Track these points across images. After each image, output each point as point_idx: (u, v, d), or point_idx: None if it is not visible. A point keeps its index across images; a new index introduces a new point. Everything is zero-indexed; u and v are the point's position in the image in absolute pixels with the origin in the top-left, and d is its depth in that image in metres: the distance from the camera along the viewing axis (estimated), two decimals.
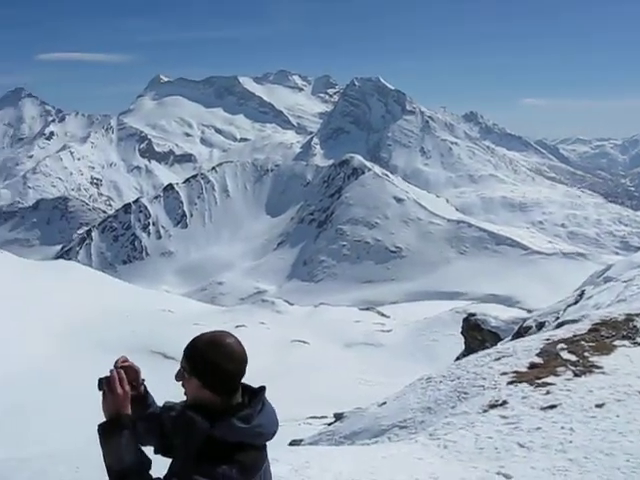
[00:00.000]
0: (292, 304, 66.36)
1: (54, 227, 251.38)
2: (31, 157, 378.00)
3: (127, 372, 3.08)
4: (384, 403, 12.63)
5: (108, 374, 3.05)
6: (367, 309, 66.38)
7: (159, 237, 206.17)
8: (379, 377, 42.08)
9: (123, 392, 3.00)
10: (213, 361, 2.87)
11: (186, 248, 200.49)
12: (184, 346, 2.95)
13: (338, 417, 14.91)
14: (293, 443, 14.15)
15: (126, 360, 3.18)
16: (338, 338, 52.48)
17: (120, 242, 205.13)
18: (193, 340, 2.96)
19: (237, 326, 51.86)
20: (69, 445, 23.10)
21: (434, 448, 8.02)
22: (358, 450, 8.81)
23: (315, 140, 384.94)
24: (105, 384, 3.02)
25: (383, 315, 61.69)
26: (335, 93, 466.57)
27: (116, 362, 3.15)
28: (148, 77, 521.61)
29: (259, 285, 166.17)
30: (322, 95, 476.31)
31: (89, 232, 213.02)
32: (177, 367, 3.09)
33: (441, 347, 47.62)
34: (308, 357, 47.36)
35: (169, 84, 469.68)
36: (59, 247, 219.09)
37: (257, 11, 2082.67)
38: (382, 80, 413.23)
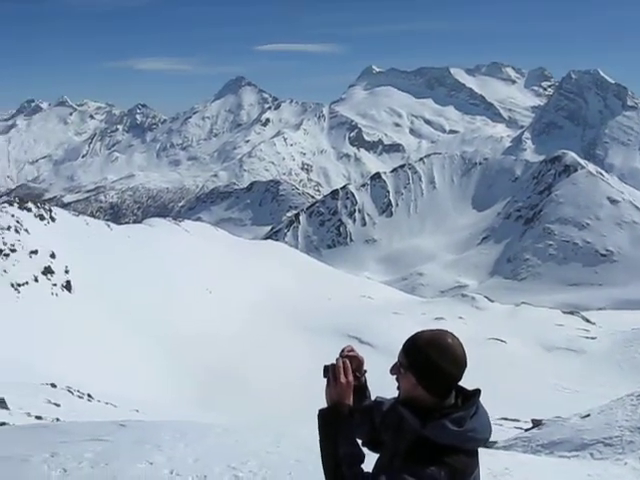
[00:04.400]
0: (492, 301, 64.95)
1: (265, 209, 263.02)
2: (247, 142, 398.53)
3: (351, 361, 3.14)
4: (587, 415, 12.19)
5: (334, 362, 3.12)
6: (571, 313, 63.59)
7: (364, 224, 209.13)
8: (577, 385, 40.44)
9: (347, 381, 3.04)
10: (434, 361, 2.82)
11: (389, 237, 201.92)
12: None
13: (536, 424, 14.53)
14: (487, 445, 13.98)
15: (352, 349, 3.27)
16: (537, 340, 50.76)
17: (326, 227, 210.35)
18: (414, 336, 2.93)
19: (436, 318, 51.78)
20: (270, 418, 24.30)
21: None
22: (560, 463, 8.44)
23: (526, 134, 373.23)
24: (330, 372, 3.06)
25: (588, 321, 58.80)
26: (550, 86, 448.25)
27: (342, 350, 3.23)
28: (360, 67, 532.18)
29: (460, 279, 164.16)
30: (536, 88, 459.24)
31: (297, 215, 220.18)
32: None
33: None
34: (503, 356, 46.31)
35: (381, 74, 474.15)
36: (268, 228, 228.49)
37: (469, 3, 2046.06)
38: (601, 73, 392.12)
